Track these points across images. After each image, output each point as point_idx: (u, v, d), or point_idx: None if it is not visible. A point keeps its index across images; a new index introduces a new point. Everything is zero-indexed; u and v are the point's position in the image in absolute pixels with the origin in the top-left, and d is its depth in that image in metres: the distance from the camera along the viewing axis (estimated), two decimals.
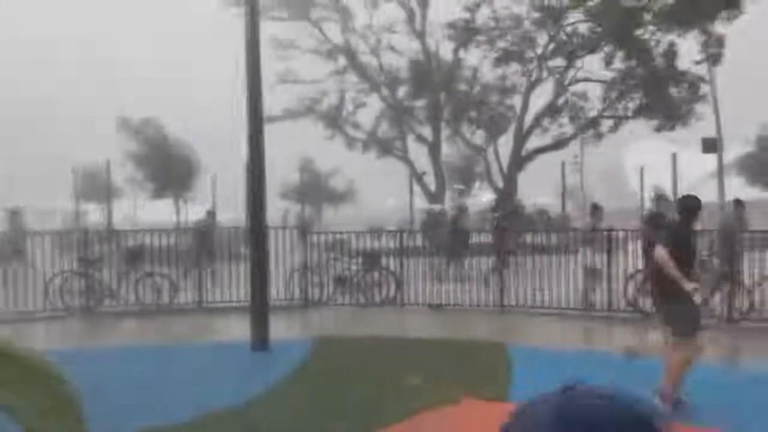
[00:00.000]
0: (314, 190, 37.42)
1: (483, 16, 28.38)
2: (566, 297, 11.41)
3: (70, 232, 13.73)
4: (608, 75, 27.19)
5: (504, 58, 27.93)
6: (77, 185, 33.83)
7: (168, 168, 29.21)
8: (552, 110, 28.48)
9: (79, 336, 10.63)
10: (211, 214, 15.53)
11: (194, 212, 33.13)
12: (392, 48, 30.17)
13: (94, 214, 36.62)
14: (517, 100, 29.05)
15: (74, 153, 36.78)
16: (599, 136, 29.19)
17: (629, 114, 27.87)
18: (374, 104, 31.81)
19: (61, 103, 50.41)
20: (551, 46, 27.83)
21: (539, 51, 28.06)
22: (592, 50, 26.64)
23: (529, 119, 28.74)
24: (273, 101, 25.31)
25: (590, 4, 26.04)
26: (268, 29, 27.47)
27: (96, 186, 34.01)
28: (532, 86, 28.61)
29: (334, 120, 31.37)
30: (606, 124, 28.65)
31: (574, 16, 27.05)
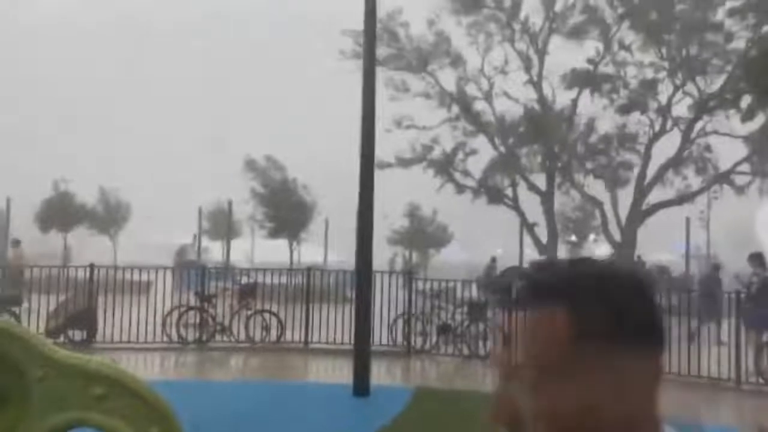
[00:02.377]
0: (421, 236, 37.49)
1: (605, 63, 27.81)
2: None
3: (190, 268, 14.49)
4: (737, 128, 25.64)
5: (627, 107, 27.09)
6: (201, 222, 35.85)
7: (286, 209, 30.33)
8: (676, 163, 27.16)
9: (189, 368, 11.07)
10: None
11: (307, 252, 34.12)
12: (506, 94, 30.07)
13: (214, 252, 38.50)
14: (638, 152, 27.99)
15: (199, 190, 39.13)
16: (739, 190, 27.28)
17: (764, 170, 26.06)
18: (485, 152, 31.67)
19: (184, 140, 54.02)
20: (677, 96, 26.74)
21: (663, 100, 27.02)
22: (730, 104, 25.17)
23: (651, 171, 27.53)
24: (387, 147, 25.82)
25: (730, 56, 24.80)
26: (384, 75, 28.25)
27: (217, 223, 35.85)
28: (655, 137, 27.49)
29: (444, 167, 31.48)
30: (739, 179, 26.92)
31: (707, 66, 25.85)
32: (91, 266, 11.80)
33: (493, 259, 23.86)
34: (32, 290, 12.12)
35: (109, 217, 37.67)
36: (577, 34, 28.76)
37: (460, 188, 31.77)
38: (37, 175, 35.73)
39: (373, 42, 9.53)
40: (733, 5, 24.92)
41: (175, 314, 12.11)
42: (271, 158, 31.50)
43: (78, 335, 11.12)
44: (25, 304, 11.66)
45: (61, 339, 10.44)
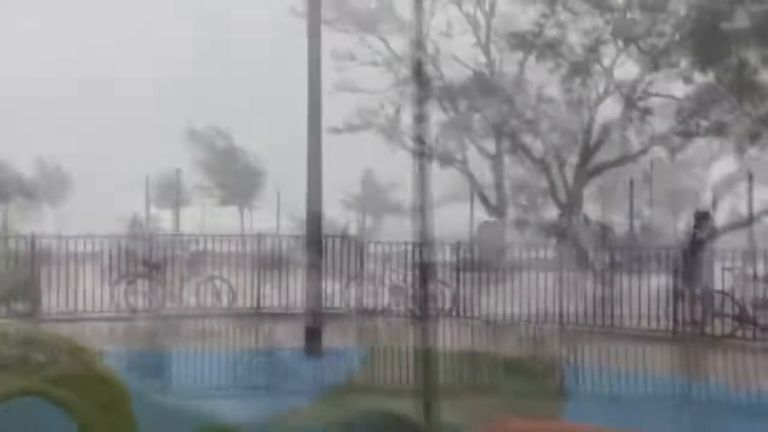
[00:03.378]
0: (374, 201, 37.69)
1: (549, 27, 27.99)
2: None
3: (138, 237, 14.28)
4: (678, 90, 26.33)
5: (572, 72, 27.44)
6: (148, 191, 35.14)
7: (234, 176, 30.05)
8: (619, 125, 27.79)
9: (139, 337, 11.00)
10: None
11: (258, 220, 33.91)
12: (454, 57, 30.08)
13: (164, 221, 37.90)
14: (583, 115, 28.50)
15: (142, 160, 38.26)
16: (672, 153, 28.19)
17: (702, 132, 26.89)
18: (435, 116, 31.74)
19: (136, 119, 52.70)
20: (620, 59, 27.20)
21: (607, 63, 27.47)
22: (669, 65, 25.77)
23: (595, 135, 28.12)
24: (333, 113, 25.58)
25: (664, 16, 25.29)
26: (331, 41, 27.80)
27: (165, 192, 35.23)
28: (599, 99, 28.02)
29: (393, 132, 31.50)
30: (677, 141, 27.73)
31: (650, 29, 26.32)
32: (32, 236, 11.52)
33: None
34: None
35: (49, 187, 36.61)
36: None
37: (412, 153, 31.81)
38: None
39: (318, 6, 9.42)
40: None
41: (123, 283, 11.98)
42: (215, 127, 31.01)
43: (21, 307, 10.91)
44: None
45: (3, 311, 10.23)
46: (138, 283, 12.19)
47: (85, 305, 11.56)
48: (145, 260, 12.42)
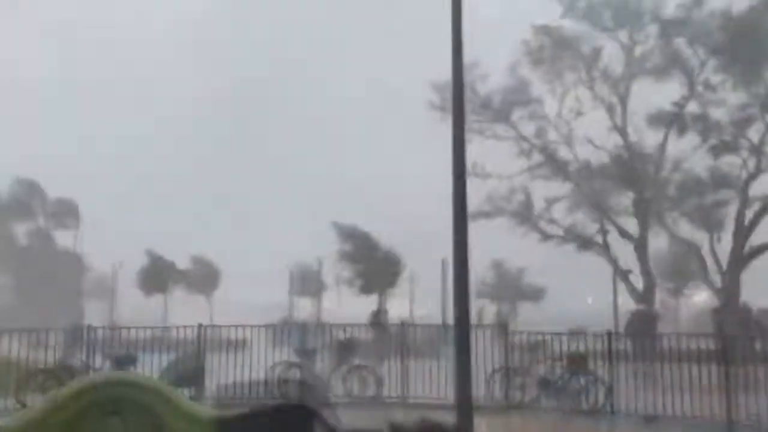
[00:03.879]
0: (509, 288, 37.02)
1: (691, 108, 27.14)
2: None
3: (286, 325, 14.92)
4: None
5: (719, 147, 26.18)
6: (293, 281, 36.91)
7: (374, 267, 30.88)
8: None
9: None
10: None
11: (397, 307, 34.31)
12: (589, 140, 29.66)
13: (305, 309, 39.35)
14: (734, 193, 26.84)
15: (289, 250, 40.38)
16: None
17: None
18: (570, 199, 31.15)
19: (278, 202, 56.00)
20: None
21: (756, 139, 26.00)
22: None
23: (750, 213, 26.28)
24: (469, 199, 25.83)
25: None
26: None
27: (307, 282, 36.76)
28: (751, 177, 26.36)
29: (526, 216, 31.17)
30: None
31: None
32: (200, 325, 12.39)
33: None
34: (143, 349, 12.79)
35: (202, 280, 39.55)
36: (659, 76, 28.31)
37: (545, 236, 31.23)
38: (130, 244, 37.97)
39: (461, 96, 9.75)
40: None
41: (278, 369, 12.46)
42: (354, 225, 32.17)
43: (188, 392, 11.60)
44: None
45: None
46: (292, 370, 12.62)
47: (243, 391, 12.10)
48: (296, 348, 12.91)
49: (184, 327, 12.56)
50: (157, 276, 35.98)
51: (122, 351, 12.86)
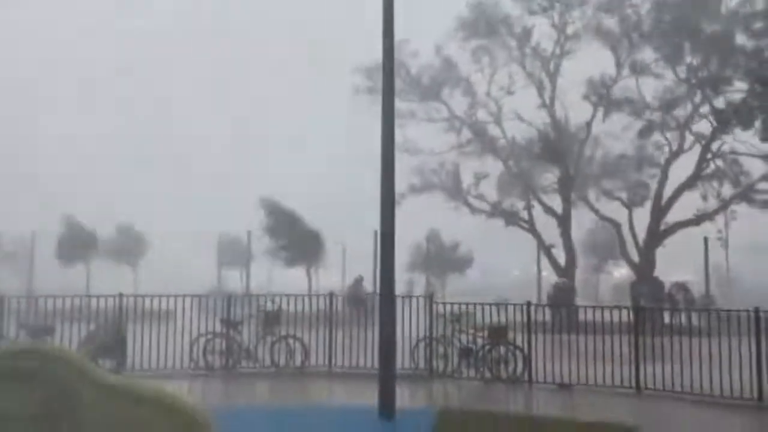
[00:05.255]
0: (439, 260, 37.72)
1: (620, 83, 28.00)
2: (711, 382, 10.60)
3: (213, 296, 14.75)
4: (756, 147, 25.66)
5: (645, 128, 27.20)
6: (221, 251, 36.39)
7: (300, 241, 30.81)
8: (693, 182, 27.17)
9: (218, 394, 11.26)
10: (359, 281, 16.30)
11: (325, 279, 34.40)
12: (518, 117, 30.32)
13: (233, 279, 38.99)
14: (655, 172, 28.06)
15: (216, 224, 39.84)
16: (760, 206, 26.99)
17: None
18: (498, 175, 31.90)
19: (207, 177, 55.05)
20: (696, 115, 26.88)
21: (682, 120, 27.16)
22: (747, 123, 25.24)
23: (669, 191, 27.55)
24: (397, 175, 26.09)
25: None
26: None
27: (236, 252, 36.32)
28: (673, 156, 27.58)
29: (455, 191, 31.76)
30: (760, 198, 26.80)
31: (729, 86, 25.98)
32: (120, 295, 12.12)
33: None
34: (62, 320, 12.42)
35: (127, 249, 38.47)
36: (589, 55, 29.07)
37: (474, 211, 31.89)
38: (49, 209, 36.53)
39: (392, 77, 9.79)
40: (753, 25, 25.16)
41: (202, 341, 12.38)
42: (277, 202, 31.80)
43: (108, 363, 11.37)
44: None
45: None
46: (216, 341, 12.55)
47: (167, 362, 11.96)
48: (222, 319, 12.82)
49: (105, 297, 12.27)
50: (77, 244, 34.58)
51: (39, 321, 12.46)
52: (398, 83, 29.08)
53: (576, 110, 29.55)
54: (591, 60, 29.13)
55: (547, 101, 30.26)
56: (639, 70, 27.58)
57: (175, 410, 2.74)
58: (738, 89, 25.80)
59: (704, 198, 27.16)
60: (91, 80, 58.29)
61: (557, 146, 29.14)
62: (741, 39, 25.76)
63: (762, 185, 26.47)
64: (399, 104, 29.73)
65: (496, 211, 31.53)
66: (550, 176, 30.53)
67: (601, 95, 28.19)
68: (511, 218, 31.50)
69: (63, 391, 3.37)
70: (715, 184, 27.05)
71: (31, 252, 34.10)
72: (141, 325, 12.05)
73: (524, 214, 31.59)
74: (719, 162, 26.97)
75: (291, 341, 12.64)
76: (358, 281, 25.05)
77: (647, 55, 27.49)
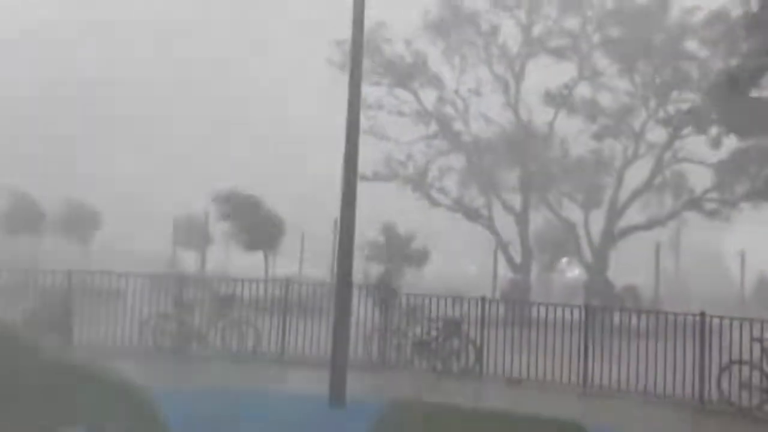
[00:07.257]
0: (396, 252, 37.69)
1: (581, 91, 28.46)
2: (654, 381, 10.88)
3: (165, 276, 14.48)
4: (711, 156, 26.40)
5: (601, 132, 27.72)
6: (176, 233, 35.65)
7: (258, 227, 30.39)
8: (648, 188, 27.84)
9: (166, 375, 11.08)
10: None
11: (282, 266, 34.14)
12: (483, 115, 30.54)
13: (188, 261, 38.33)
14: (612, 176, 28.62)
15: (174, 204, 39.01)
16: (710, 216, 27.76)
17: (736, 197, 26.73)
18: (462, 171, 32.09)
19: (176, 158, 53.96)
20: (650, 122, 27.51)
21: (637, 127, 27.76)
22: (699, 130, 25.96)
23: (624, 196, 28.16)
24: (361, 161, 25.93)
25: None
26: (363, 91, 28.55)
27: (193, 234, 35.63)
28: (628, 162, 28.17)
29: (420, 184, 31.85)
30: (709, 207, 27.60)
31: (681, 95, 26.68)
32: (69, 271, 11.80)
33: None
34: (5, 295, 12.05)
35: (78, 225, 37.33)
36: (554, 57, 29.45)
37: (435, 204, 32.04)
38: None
39: (360, 53, 9.72)
40: (705, 35, 25.84)
41: (153, 321, 12.15)
42: (235, 191, 31.25)
43: (54, 339, 11.08)
44: None
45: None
46: (167, 322, 12.34)
47: (116, 341, 11.71)
48: (174, 300, 12.60)
49: (53, 272, 11.93)
50: (22, 218, 33.24)
51: None
52: (370, 65, 29.01)
53: (539, 112, 29.92)
54: (553, 62, 29.54)
55: (512, 101, 30.56)
56: (593, 76, 28.14)
57: (121, 390, 2.67)
58: (687, 99, 26.55)
59: (656, 204, 27.86)
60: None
61: (519, 145, 29.48)
62: (691, 47, 26.50)
63: (711, 194, 27.27)
64: (368, 88, 29.66)
65: (456, 205, 31.75)
66: (511, 175, 30.86)
67: (562, 97, 28.60)
68: (471, 213, 31.77)
69: (4, 365, 3.25)
70: (667, 191, 27.74)
71: None
72: (91, 302, 11.77)
73: (484, 211, 31.88)
74: (672, 169, 27.68)
75: (243, 326, 12.50)
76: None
77: (602, 62, 28.09)
